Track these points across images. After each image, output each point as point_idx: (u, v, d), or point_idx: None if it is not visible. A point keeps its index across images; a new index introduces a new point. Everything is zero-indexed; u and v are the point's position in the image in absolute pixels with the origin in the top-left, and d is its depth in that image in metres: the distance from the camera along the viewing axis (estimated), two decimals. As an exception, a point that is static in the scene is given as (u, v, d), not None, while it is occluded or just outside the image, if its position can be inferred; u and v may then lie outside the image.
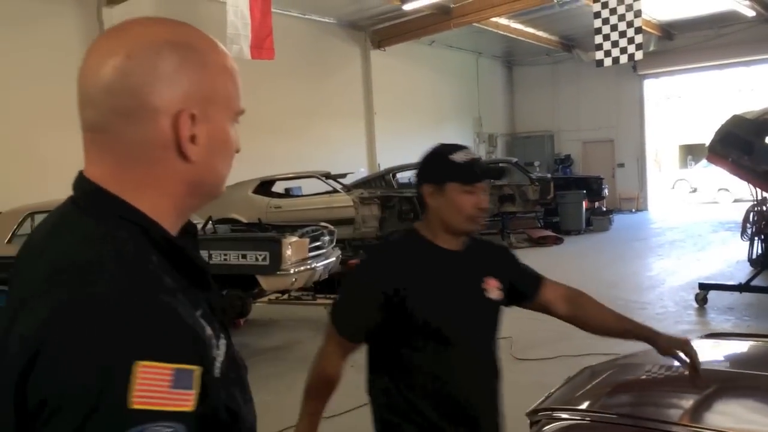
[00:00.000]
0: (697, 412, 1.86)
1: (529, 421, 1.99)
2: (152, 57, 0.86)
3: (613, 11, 12.12)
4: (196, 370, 0.77)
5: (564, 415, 1.92)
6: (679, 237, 13.99)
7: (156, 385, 0.73)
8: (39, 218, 5.77)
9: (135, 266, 0.80)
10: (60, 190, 1.14)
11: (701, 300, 7.50)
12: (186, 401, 0.75)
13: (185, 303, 0.81)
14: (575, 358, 5.80)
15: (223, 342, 0.91)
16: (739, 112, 8.45)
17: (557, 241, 13.62)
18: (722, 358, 2.45)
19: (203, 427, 0.79)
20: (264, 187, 11.45)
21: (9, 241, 6.14)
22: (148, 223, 0.87)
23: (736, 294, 7.58)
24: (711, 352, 2.40)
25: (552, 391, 2.15)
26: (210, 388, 0.80)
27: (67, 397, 0.72)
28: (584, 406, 2.04)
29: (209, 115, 0.90)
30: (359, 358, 1.98)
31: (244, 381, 0.96)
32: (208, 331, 0.85)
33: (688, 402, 1.96)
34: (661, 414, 1.92)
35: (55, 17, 10.17)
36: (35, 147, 9.65)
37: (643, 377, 2.25)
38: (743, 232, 10.40)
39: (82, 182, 0.90)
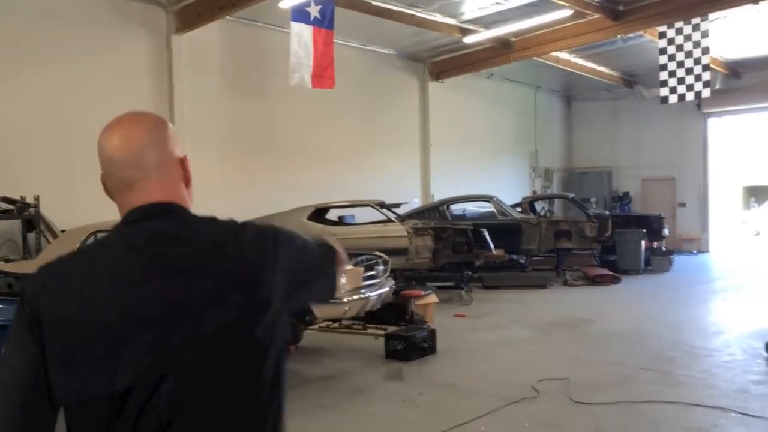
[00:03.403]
0: None
1: None
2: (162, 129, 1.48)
3: (679, 48, 11.87)
4: None
5: None
6: (744, 281, 13.41)
7: None
8: (100, 236, 5.87)
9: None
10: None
11: (772, 349, 7.10)
12: None
13: None
14: (637, 405, 5.56)
15: None
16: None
17: (615, 280, 13.21)
18: None
19: None
20: (319, 214, 11.52)
21: (73, 258, 6.28)
22: None
23: (810, 345, 7.14)
24: None
25: None
26: None
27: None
28: None
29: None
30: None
31: None
32: None
33: None
34: None
35: (128, 45, 10.55)
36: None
37: None
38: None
39: (162, 204, 1.42)
